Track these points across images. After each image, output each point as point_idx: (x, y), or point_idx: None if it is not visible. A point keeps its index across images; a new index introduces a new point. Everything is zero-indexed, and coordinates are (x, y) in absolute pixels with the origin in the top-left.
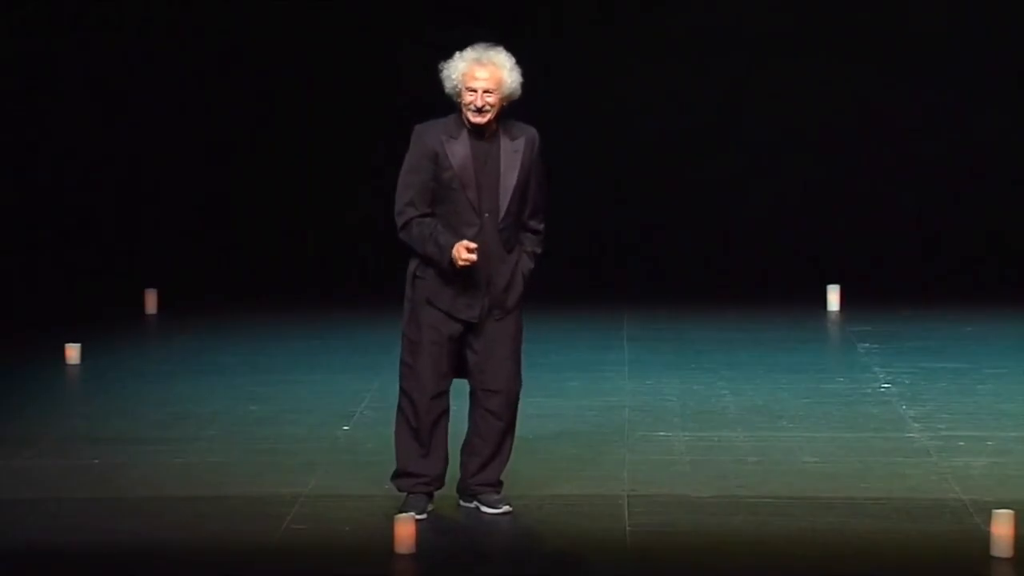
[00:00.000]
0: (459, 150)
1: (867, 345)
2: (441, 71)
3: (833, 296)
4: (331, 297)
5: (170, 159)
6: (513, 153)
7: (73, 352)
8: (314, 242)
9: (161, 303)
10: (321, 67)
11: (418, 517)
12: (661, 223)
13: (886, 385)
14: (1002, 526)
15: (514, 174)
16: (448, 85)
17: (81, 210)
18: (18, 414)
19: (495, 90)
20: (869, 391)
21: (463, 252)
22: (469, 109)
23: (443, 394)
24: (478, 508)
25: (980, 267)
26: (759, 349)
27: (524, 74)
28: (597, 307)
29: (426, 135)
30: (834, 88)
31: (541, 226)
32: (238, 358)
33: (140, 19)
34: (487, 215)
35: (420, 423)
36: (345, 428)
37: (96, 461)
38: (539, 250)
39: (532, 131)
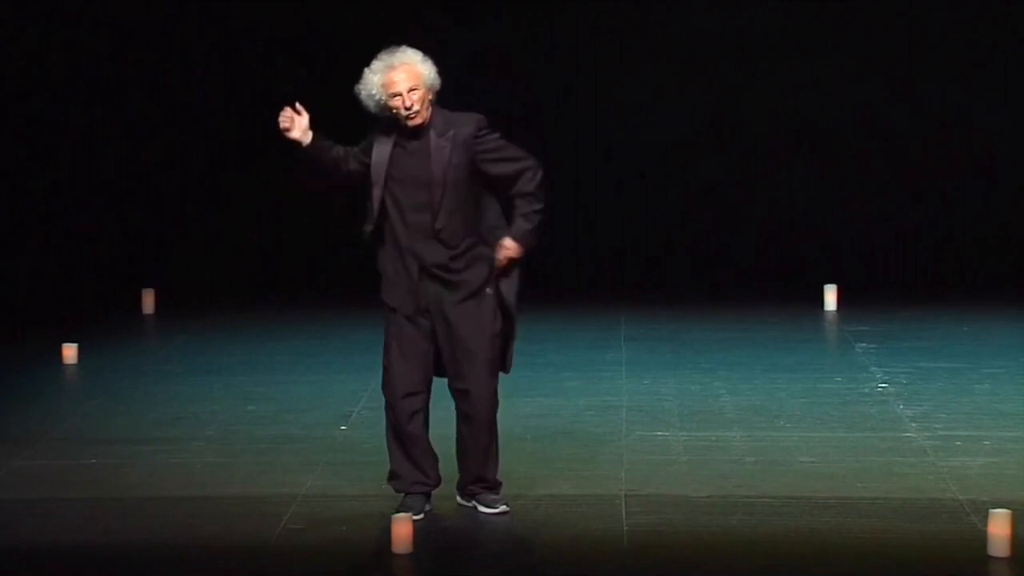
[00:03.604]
0: (382, 148)
1: (864, 345)
2: (358, 94)
3: (830, 296)
4: (331, 297)
5: (170, 159)
6: (440, 149)
7: (70, 352)
8: (314, 242)
9: (158, 303)
10: (321, 67)
11: (415, 517)
12: (661, 223)
13: (883, 385)
14: (999, 526)
15: (441, 168)
16: (371, 104)
17: (80, 210)
18: (16, 414)
19: (418, 86)
20: (866, 391)
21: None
22: (401, 115)
23: (415, 394)
24: (476, 508)
25: (979, 267)
26: (756, 349)
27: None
28: (595, 307)
29: (378, 128)
30: (834, 88)
31: (530, 187)
32: (237, 358)
33: (140, 19)
34: (413, 211)
35: (397, 422)
36: (343, 428)
37: (94, 461)
38: (536, 206)
39: (467, 120)
